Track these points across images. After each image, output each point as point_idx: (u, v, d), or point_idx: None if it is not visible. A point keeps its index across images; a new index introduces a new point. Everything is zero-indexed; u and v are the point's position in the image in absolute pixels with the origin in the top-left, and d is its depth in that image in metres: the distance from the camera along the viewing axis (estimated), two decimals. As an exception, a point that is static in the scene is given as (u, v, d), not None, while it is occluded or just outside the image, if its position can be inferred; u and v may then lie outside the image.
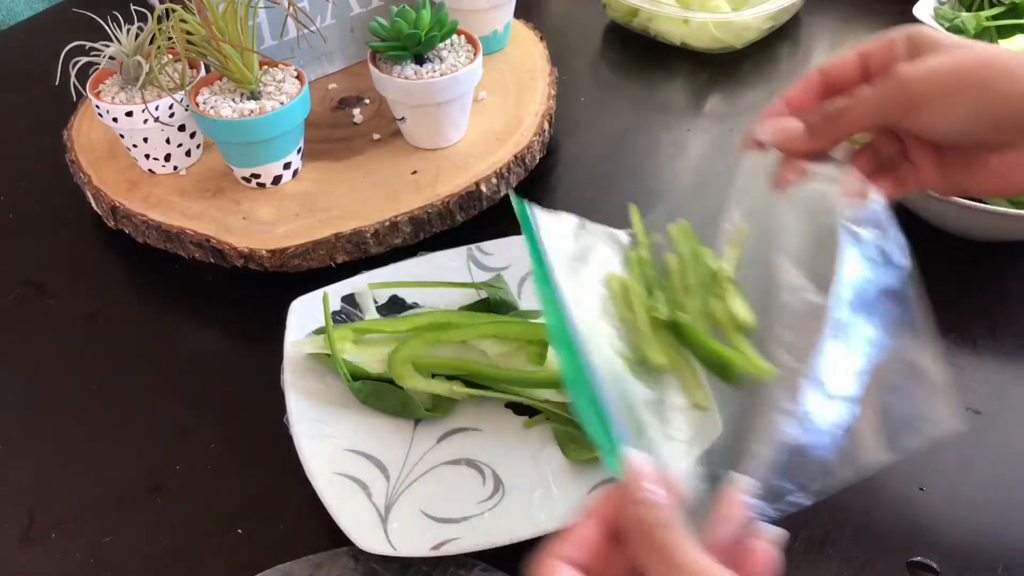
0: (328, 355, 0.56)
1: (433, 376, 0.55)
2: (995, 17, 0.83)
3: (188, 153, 0.73)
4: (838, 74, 0.45)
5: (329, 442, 0.53)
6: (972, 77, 0.41)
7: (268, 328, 0.65)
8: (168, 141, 0.71)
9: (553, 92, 0.80)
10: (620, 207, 0.74)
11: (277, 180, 0.71)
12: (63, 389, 0.61)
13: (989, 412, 0.56)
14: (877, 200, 0.41)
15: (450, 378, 0.55)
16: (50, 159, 0.81)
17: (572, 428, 0.51)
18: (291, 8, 0.71)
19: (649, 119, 0.84)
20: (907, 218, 0.69)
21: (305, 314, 0.59)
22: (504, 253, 0.64)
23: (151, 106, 0.67)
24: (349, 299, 0.60)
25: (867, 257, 0.39)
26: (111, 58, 0.69)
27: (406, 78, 0.70)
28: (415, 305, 0.61)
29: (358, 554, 0.48)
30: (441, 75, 0.70)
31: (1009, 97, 0.40)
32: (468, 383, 0.54)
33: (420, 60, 0.71)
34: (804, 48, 0.93)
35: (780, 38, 0.94)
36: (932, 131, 0.43)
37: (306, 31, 0.77)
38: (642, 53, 0.91)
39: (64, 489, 0.55)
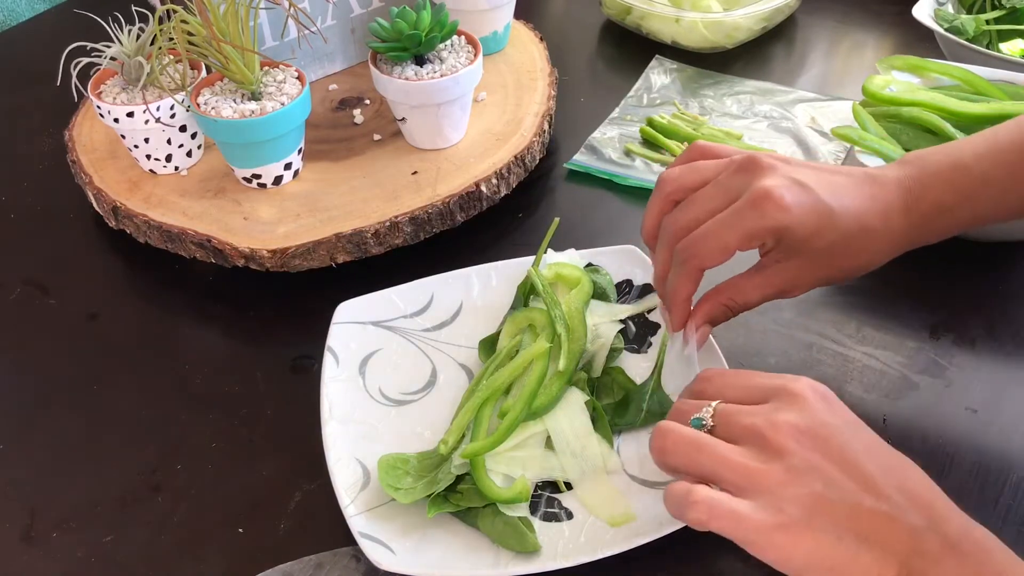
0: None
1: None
2: (995, 20, 0.83)
3: (189, 153, 0.73)
4: (681, 194, 0.51)
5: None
6: (832, 278, 0.52)
7: (268, 328, 0.65)
8: (169, 142, 0.71)
9: (553, 92, 0.80)
10: (620, 207, 0.74)
11: (278, 180, 0.71)
12: (63, 389, 0.61)
13: (988, 412, 0.56)
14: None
15: None
16: (51, 159, 0.81)
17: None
18: (292, 9, 0.71)
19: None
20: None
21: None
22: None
23: (152, 107, 0.68)
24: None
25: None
26: (112, 59, 0.69)
27: (406, 79, 0.70)
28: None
29: (359, 554, 0.48)
30: (441, 76, 0.70)
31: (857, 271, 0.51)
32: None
33: (420, 61, 0.71)
34: (799, 49, 0.93)
35: (775, 39, 0.94)
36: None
37: (307, 32, 0.77)
38: (638, 52, 0.91)
39: (64, 489, 0.55)
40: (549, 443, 0.53)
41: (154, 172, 0.73)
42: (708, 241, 0.48)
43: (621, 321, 0.59)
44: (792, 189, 0.47)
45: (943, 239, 0.52)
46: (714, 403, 0.43)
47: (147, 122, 0.68)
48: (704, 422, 0.42)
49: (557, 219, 0.62)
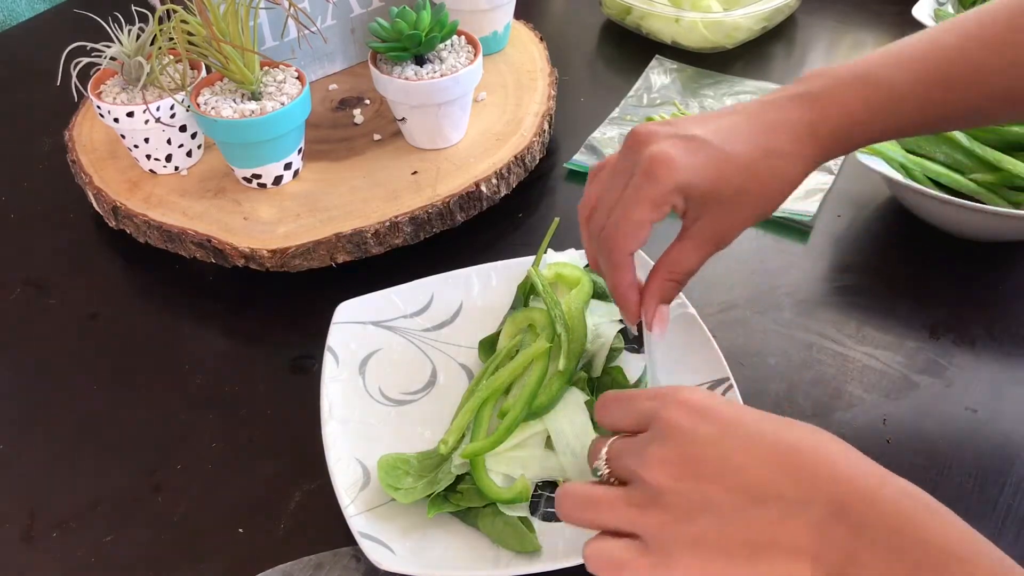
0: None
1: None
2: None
3: (189, 153, 0.73)
4: (591, 199, 0.51)
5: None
6: (755, 218, 0.49)
7: (268, 328, 0.65)
8: (169, 142, 0.71)
9: (553, 92, 0.80)
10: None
11: (278, 180, 0.71)
12: (63, 389, 0.61)
13: (988, 412, 0.56)
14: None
15: None
16: (51, 159, 0.81)
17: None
18: (292, 9, 0.71)
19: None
20: (907, 218, 0.70)
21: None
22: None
23: (152, 107, 0.68)
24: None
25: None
26: (112, 59, 0.69)
27: (406, 79, 0.70)
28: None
29: (359, 554, 0.48)
30: (441, 76, 0.70)
31: (777, 199, 0.49)
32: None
33: (420, 61, 0.71)
34: (799, 49, 0.93)
35: (775, 38, 0.94)
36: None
37: (307, 32, 0.77)
38: (638, 52, 0.91)
39: (64, 489, 0.55)
40: (549, 443, 0.53)
41: (154, 172, 0.73)
42: (620, 226, 0.48)
43: (621, 321, 0.59)
44: (679, 146, 0.46)
45: (863, 147, 0.50)
46: (607, 445, 0.41)
47: (147, 122, 0.68)
48: (600, 472, 0.41)
49: (557, 219, 0.62)
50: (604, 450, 0.41)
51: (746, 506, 0.36)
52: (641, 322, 0.51)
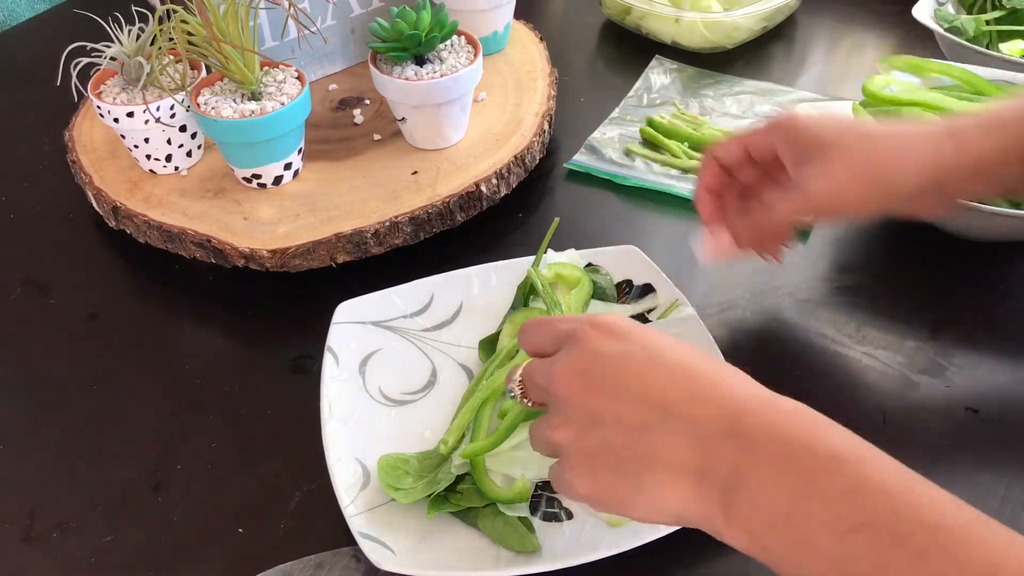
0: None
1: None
2: (995, 21, 0.83)
3: (189, 154, 0.73)
4: (728, 160, 0.55)
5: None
6: (870, 185, 0.50)
7: (268, 328, 0.65)
8: (169, 142, 0.71)
9: (553, 92, 0.80)
10: (620, 207, 0.74)
11: (278, 180, 0.71)
12: (63, 389, 0.61)
13: (988, 412, 0.56)
14: None
15: None
16: (51, 159, 0.81)
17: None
18: (292, 9, 0.71)
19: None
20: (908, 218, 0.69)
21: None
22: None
23: (152, 107, 0.68)
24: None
25: None
26: (112, 59, 0.69)
27: (406, 79, 0.70)
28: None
29: (359, 554, 0.48)
30: (441, 76, 0.70)
31: (896, 179, 0.50)
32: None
33: (420, 61, 0.71)
34: (799, 49, 0.93)
35: (775, 39, 0.94)
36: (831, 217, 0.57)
37: (307, 32, 0.77)
38: (638, 52, 0.91)
39: (64, 489, 0.55)
40: None
41: (154, 172, 0.73)
42: (766, 212, 0.53)
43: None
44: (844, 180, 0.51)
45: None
46: (520, 368, 0.43)
47: (147, 122, 0.68)
48: (513, 393, 0.43)
49: (557, 219, 0.62)
50: (518, 372, 0.43)
51: (635, 422, 0.37)
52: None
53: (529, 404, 0.42)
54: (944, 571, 0.30)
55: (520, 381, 0.42)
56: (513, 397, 0.43)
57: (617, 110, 0.84)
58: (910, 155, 0.50)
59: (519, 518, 0.49)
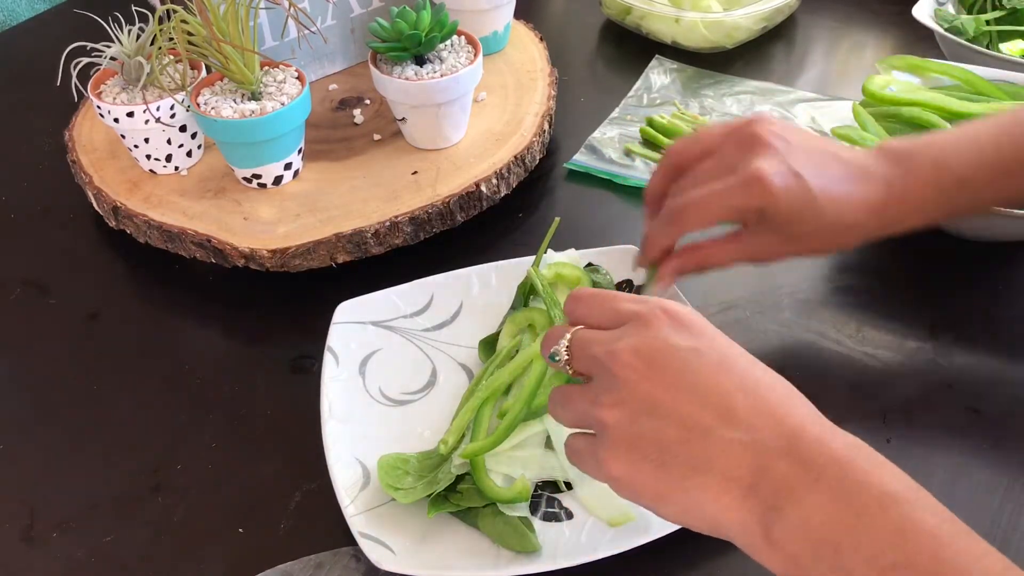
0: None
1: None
2: (995, 21, 0.83)
3: (189, 153, 0.73)
4: (682, 161, 0.53)
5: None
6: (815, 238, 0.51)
7: (268, 328, 0.65)
8: (169, 142, 0.71)
9: (553, 92, 0.80)
10: (620, 207, 0.74)
11: (278, 180, 0.71)
12: (63, 389, 0.61)
13: (989, 412, 0.56)
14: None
15: None
16: (51, 159, 0.81)
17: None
18: (292, 9, 0.71)
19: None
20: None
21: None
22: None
23: (152, 107, 0.68)
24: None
25: None
26: (112, 59, 0.69)
27: (406, 79, 0.70)
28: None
29: (359, 554, 0.48)
30: (441, 76, 0.70)
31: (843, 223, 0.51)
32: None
33: (420, 61, 0.71)
34: (799, 49, 0.93)
35: (775, 38, 0.94)
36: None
37: (307, 32, 0.77)
38: (638, 52, 0.91)
39: (64, 489, 0.55)
40: (549, 443, 0.53)
41: (154, 172, 0.73)
42: (695, 210, 0.50)
43: None
44: (784, 176, 0.49)
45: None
46: (570, 332, 0.41)
47: (147, 122, 0.68)
48: (559, 357, 0.41)
49: (557, 219, 0.62)
50: (568, 336, 0.41)
51: (694, 423, 0.36)
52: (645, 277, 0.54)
53: (571, 371, 0.41)
54: None
55: (568, 347, 0.41)
56: (556, 360, 0.41)
57: (617, 110, 0.84)
58: (846, 243, 0.53)
59: (519, 518, 0.49)
